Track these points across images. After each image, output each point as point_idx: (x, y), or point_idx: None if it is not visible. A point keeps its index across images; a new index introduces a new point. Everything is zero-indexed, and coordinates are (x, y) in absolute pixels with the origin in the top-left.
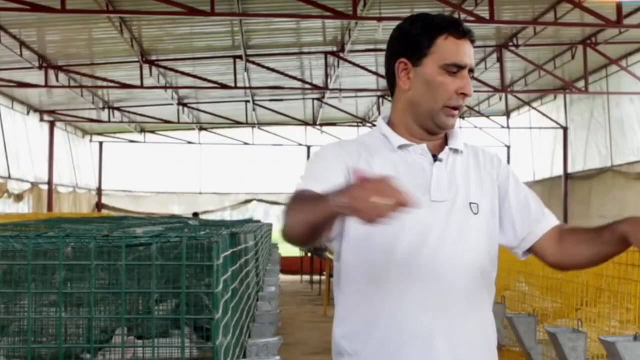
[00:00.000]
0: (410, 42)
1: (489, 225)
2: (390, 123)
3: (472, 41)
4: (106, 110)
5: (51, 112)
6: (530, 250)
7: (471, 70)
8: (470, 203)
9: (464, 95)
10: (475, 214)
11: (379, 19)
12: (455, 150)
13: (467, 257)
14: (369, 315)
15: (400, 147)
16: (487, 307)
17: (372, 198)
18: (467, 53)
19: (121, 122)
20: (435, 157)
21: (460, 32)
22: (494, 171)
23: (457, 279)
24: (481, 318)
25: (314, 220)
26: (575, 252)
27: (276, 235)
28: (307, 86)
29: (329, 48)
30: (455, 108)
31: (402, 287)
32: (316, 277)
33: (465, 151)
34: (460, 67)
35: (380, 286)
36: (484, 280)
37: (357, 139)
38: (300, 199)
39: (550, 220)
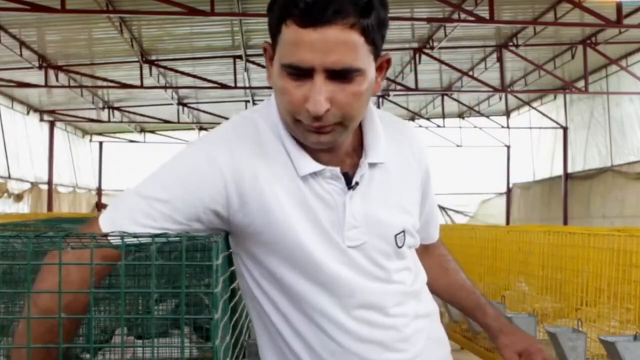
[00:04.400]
0: (268, 22)
1: (413, 254)
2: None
3: (347, 17)
4: (106, 110)
5: (51, 112)
6: None
7: (342, 73)
8: (395, 235)
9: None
10: (400, 247)
11: None
12: (374, 164)
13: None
14: None
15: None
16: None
17: None
18: (319, 46)
19: (121, 122)
20: (349, 183)
21: (306, 15)
22: (420, 168)
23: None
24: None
25: None
26: (433, 279)
27: None
28: None
29: None
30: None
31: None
32: None
33: (386, 151)
34: (302, 70)
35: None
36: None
37: (255, 142)
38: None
39: (436, 233)
